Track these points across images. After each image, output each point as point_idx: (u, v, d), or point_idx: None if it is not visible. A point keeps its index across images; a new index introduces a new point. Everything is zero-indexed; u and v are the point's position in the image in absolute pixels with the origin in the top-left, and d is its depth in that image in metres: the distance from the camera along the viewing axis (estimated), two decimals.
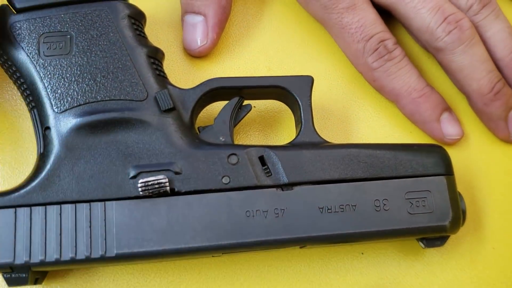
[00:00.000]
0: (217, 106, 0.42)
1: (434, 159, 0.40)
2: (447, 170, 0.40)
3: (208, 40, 0.46)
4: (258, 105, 0.45)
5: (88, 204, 0.37)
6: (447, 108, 0.46)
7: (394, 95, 0.45)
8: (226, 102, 0.41)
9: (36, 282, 0.39)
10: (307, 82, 0.41)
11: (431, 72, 0.49)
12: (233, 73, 0.47)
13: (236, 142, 0.44)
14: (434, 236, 0.39)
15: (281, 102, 0.44)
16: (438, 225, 0.38)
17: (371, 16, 0.45)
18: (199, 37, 0.46)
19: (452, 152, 0.42)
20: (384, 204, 0.38)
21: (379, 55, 0.44)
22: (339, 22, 0.45)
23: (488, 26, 0.45)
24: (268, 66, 0.48)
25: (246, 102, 0.42)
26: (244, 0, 0.50)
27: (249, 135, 0.45)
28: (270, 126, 0.46)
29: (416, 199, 0.39)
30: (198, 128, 0.41)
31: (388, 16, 0.47)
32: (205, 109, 0.43)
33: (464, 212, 0.40)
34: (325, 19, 0.46)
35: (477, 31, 0.44)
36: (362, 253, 0.42)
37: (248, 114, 0.42)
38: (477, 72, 0.44)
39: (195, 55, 0.47)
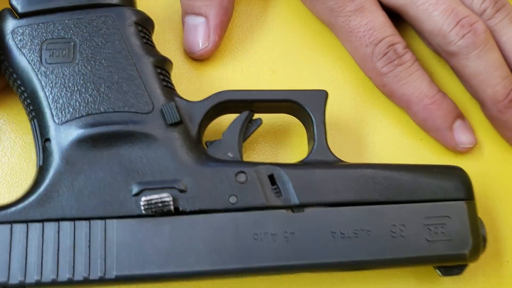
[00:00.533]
0: (226, 119, 0.40)
1: (455, 183, 0.37)
2: (468, 195, 0.37)
3: (210, 42, 0.44)
4: (269, 119, 0.43)
5: (87, 221, 0.35)
6: (460, 115, 0.44)
7: (404, 102, 0.43)
8: (235, 115, 0.39)
9: None
10: (321, 96, 0.39)
11: (443, 78, 0.47)
12: (236, 77, 0.45)
13: (245, 158, 0.42)
14: (452, 264, 0.37)
15: (292, 116, 0.41)
16: (457, 253, 0.36)
17: (380, 19, 0.43)
18: (200, 39, 0.44)
19: (464, 161, 0.40)
20: (401, 230, 0.36)
21: (389, 59, 0.42)
22: (347, 26, 0.43)
23: (503, 31, 0.43)
24: (273, 69, 0.46)
25: (256, 116, 0.40)
26: (247, 1, 0.48)
27: (258, 150, 0.43)
28: (281, 141, 0.43)
29: (435, 225, 0.36)
30: (205, 142, 0.39)
31: (397, 19, 0.45)
32: (213, 122, 0.41)
33: (484, 239, 0.38)
34: (331, 22, 0.44)
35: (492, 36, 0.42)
36: None
37: (258, 130, 0.40)
38: (492, 78, 0.42)
39: (197, 58, 0.46)
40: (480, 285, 0.41)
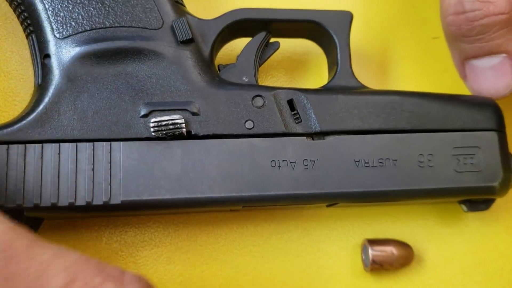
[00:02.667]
0: (240, 44, 0.37)
1: (486, 113, 0.35)
2: (499, 126, 0.35)
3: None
4: (286, 45, 0.40)
5: (91, 143, 0.32)
6: None
7: None
8: (251, 39, 0.36)
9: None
10: (346, 18, 0.36)
11: None
12: (256, 3, 0.42)
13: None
14: (479, 199, 0.35)
15: (312, 42, 0.39)
16: (487, 185, 0.34)
17: None
18: (505, 80, 0.36)
19: None
20: (429, 160, 0.34)
21: None
22: None
23: None
24: None
25: (273, 39, 0.37)
26: None
27: (274, 77, 0.40)
28: (298, 69, 0.41)
29: (463, 155, 0.34)
30: (218, 66, 0.36)
31: None
32: (225, 47, 0.38)
33: None
34: None
35: None
36: None
37: (274, 55, 0.37)
38: None
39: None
40: (506, 223, 0.39)
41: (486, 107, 0.35)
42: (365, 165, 0.33)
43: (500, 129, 0.35)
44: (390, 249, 0.36)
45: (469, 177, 0.34)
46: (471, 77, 0.37)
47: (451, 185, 0.34)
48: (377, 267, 0.36)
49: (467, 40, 0.35)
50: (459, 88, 0.39)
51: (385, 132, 0.34)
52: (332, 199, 0.33)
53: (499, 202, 0.37)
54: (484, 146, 0.34)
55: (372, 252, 0.36)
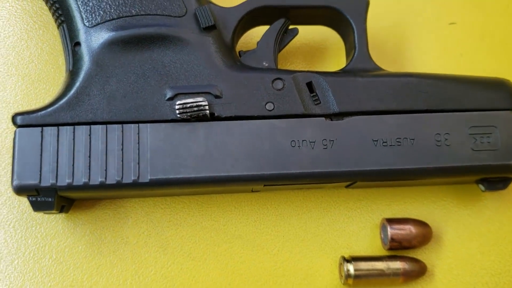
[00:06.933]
0: (259, 32, 0.38)
1: (502, 93, 0.36)
2: None
3: None
4: (304, 32, 0.41)
5: (120, 125, 0.34)
6: None
7: None
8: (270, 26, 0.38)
9: (62, 210, 0.36)
10: (362, 3, 0.37)
11: None
12: None
13: None
14: (496, 178, 0.36)
15: (329, 29, 0.40)
16: (504, 164, 0.35)
17: None
18: None
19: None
20: (446, 139, 0.35)
21: None
22: None
23: None
24: None
25: (291, 26, 0.38)
26: None
27: (293, 63, 0.42)
28: (316, 55, 0.42)
29: (480, 134, 0.35)
30: (239, 52, 0.38)
31: None
32: (246, 35, 0.39)
33: None
34: None
35: None
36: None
37: (293, 41, 0.39)
38: None
39: None
40: None
41: (502, 87, 0.36)
42: (383, 144, 0.34)
43: None
44: (409, 227, 0.37)
45: (485, 156, 0.34)
46: None
47: (468, 163, 0.34)
48: (395, 245, 0.37)
49: None
50: (475, 72, 0.40)
51: (403, 113, 0.35)
52: (351, 177, 0.34)
53: None
54: (500, 125, 0.35)
55: (390, 230, 0.37)
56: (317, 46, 0.42)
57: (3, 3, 0.42)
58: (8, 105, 0.40)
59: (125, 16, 0.35)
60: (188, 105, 0.34)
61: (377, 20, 0.42)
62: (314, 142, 0.34)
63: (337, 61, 0.41)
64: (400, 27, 0.43)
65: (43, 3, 0.38)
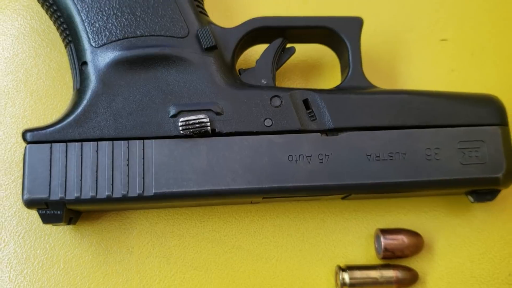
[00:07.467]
0: (258, 50, 0.40)
1: (489, 109, 0.37)
2: (502, 121, 0.37)
3: None
4: (301, 50, 0.43)
5: (126, 141, 0.36)
6: None
7: None
8: (268, 45, 0.39)
9: (70, 221, 0.38)
10: (356, 23, 0.39)
11: None
12: (266, 3, 0.45)
13: None
14: (484, 190, 0.38)
15: (325, 47, 0.41)
16: (491, 177, 0.36)
17: None
18: None
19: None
20: (436, 153, 0.36)
21: None
22: None
23: None
24: None
25: (289, 45, 0.40)
26: None
27: (290, 80, 0.43)
28: (313, 72, 0.44)
29: (469, 149, 0.37)
30: (239, 70, 0.39)
31: None
32: (245, 53, 0.41)
33: None
34: None
35: None
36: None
37: (290, 59, 0.40)
38: None
39: None
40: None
41: (490, 103, 0.38)
42: (376, 158, 0.36)
43: (503, 124, 0.37)
44: (401, 238, 0.38)
45: (474, 169, 0.36)
46: None
47: (457, 176, 0.36)
48: (389, 254, 0.38)
49: None
50: (465, 88, 0.42)
51: (395, 128, 0.37)
52: (346, 190, 0.36)
53: (504, 193, 0.39)
54: (488, 140, 0.37)
55: (384, 240, 0.38)
56: (314, 64, 0.44)
57: (12, 22, 0.43)
58: (17, 120, 0.41)
59: (130, 37, 0.37)
60: (191, 122, 0.35)
61: (371, 37, 0.44)
62: (310, 156, 0.36)
63: (333, 77, 0.43)
64: (393, 43, 0.45)
65: (51, 22, 0.40)
